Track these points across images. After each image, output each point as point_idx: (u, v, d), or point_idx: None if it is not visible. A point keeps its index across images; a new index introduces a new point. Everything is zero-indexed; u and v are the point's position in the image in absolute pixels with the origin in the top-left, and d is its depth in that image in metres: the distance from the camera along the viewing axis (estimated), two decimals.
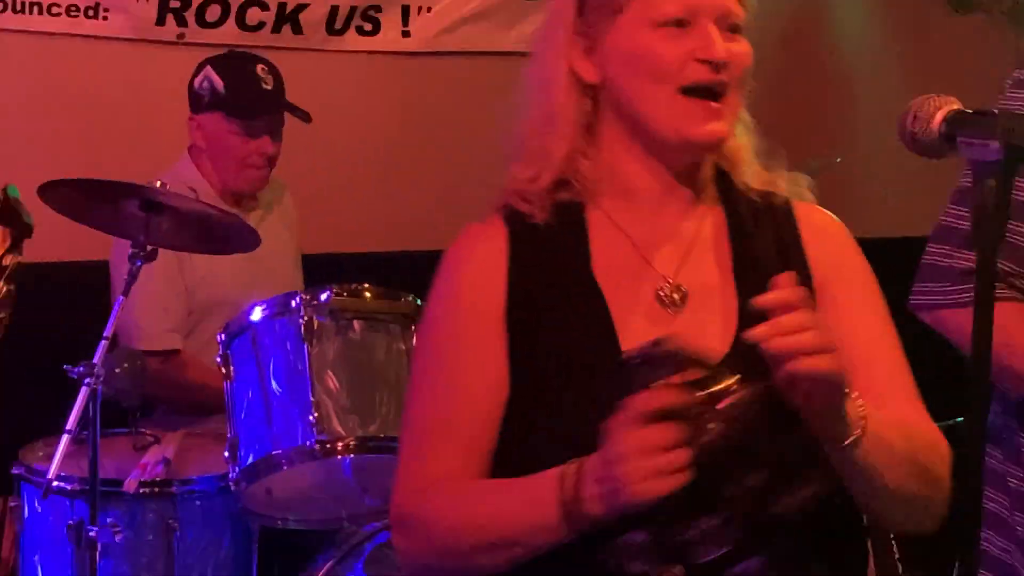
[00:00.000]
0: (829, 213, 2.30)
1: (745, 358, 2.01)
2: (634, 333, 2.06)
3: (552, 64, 2.19)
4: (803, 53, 6.59)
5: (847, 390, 1.97)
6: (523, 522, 2.05)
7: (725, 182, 2.23)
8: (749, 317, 1.99)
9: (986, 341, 1.98)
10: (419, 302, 3.68)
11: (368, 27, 5.39)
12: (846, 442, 1.97)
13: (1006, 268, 2.59)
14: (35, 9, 5.00)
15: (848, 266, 2.25)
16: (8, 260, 2.09)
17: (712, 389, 1.88)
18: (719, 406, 1.87)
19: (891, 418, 2.10)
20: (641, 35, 2.12)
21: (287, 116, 4.49)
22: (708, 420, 1.87)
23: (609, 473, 1.89)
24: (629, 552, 1.99)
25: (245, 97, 4.31)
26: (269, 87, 4.35)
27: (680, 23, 2.08)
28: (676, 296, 2.16)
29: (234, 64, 4.36)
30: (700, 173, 2.19)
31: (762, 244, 2.21)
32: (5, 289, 2.09)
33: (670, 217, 2.20)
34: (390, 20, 5.41)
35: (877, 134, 5.37)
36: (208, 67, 4.32)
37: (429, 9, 5.46)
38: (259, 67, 4.35)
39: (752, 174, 2.23)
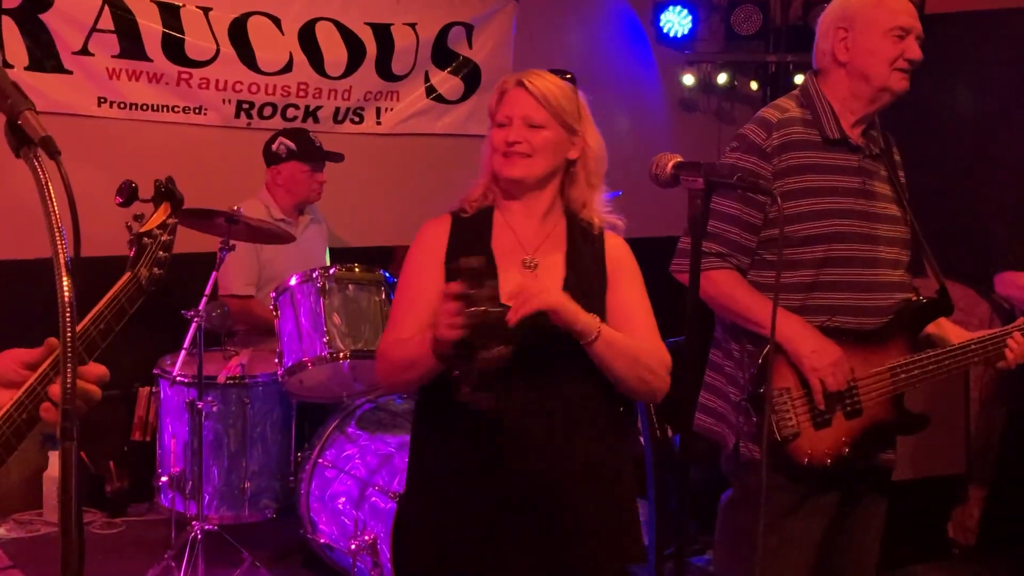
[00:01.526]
0: (620, 238, 2.47)
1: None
2: (506, 282, 2.22)
3: (486, 149, 2.41)
4: None
5: (569, 316, 2.18)
6: (416, 356, 2.21)
7: (570, 211, 2.44)
8: (571, 286, 2.30)
9: (695, 290, 2.16)
10: (386, 274, 4.06)
11: (356, 119, 5.90)
12: (584, 342, 2.21)
13: (722, 251, 2.69)
14: (164, 109, 5.29)
15: (624, 265, 2.44)
16: (171, 222, 1.91)
17: (484, 292, 2.02)
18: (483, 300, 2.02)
19: (625, 336, 2.30)
20: (493, 131, 2.37)
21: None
22: (477, 305, 2.00)
23: (434, 325, 2.12)
24: (456, 384, 2.09)
25: (309, 151, 4.72)
26: (319, 145, 4.76)
27: (503, 125, 2.34)
28: (532, 264, 2.35)
29: (296, 134, 4.80)
30: (545, 198, 2.39)
31: (583, 249, 2.40)
32: (164, 254, 1.88)
33: (532, 221, 2.40)
34: (370, 115, 5.95)
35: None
36: (281, 137, 4.78)
37: (391, 110, 5.98)
38: (310, 134, 4.82)
39: (587, 210, 2.44)
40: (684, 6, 6.37)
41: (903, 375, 2.69)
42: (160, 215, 1.89)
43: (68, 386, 1.30)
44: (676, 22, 6.38)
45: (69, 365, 1.30)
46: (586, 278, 2.36)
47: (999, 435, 4.65)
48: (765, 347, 2.62)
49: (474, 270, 2.03)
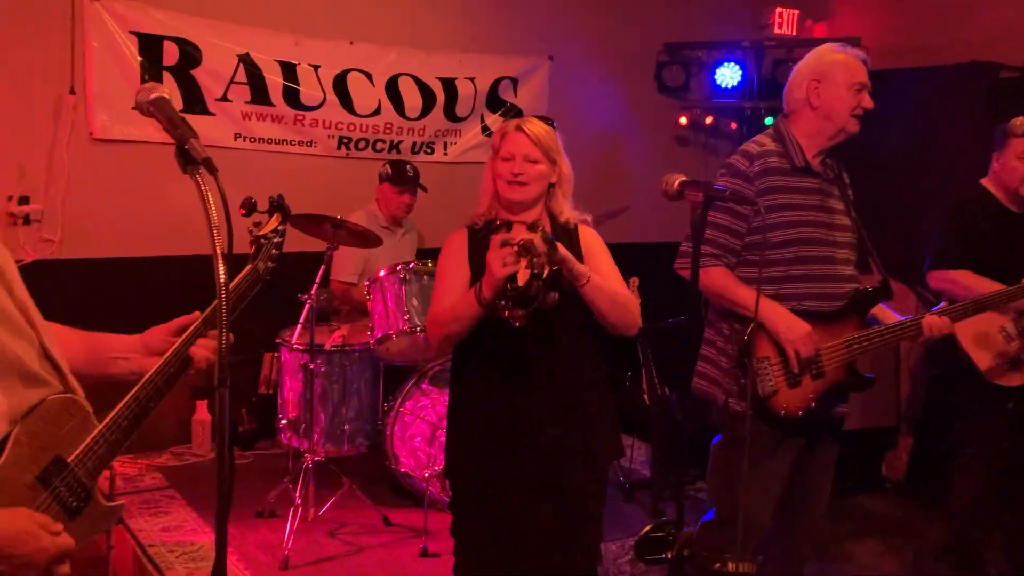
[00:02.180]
0: (590, 228, 2.54)
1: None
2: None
3: (485, 170, 2.54)
4: None
5: (572, 263, 2.27)
6: (460, 309, 2.33)
7: (552, 215, 2.53)
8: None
9: (695, 283, 2.23)
10: None
11: (428, 151, 5.88)
12: (579, 284, 2.33)
13: (715, 252, 2.69)
14: (283, 143, 5.34)
15: (594, 245, 2.53)
16: (281, 228, 1.91)
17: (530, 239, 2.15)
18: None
19: (606, 282, 2.42)
20: (498, 163, 2.47)
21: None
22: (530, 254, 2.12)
23: (486, 270, 2.21)
24: (507, 322, 2.25)
25: (400, 177, 4.75)
26: (411, 175, 4.79)
27: (508, 159, 2.45)
28: None
29: (396, 163, 4.83)
30: (536, 211, 2.48)
31: (562, 240, 2.39)
32: (276, 251, 1.90)
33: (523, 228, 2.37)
34: (439, 148, 5.92)
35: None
36: (387, 164, 4.84)
37: (454, 143, 5.95)
38: (408, 166, 4.83)
39: (563, 211, 2.52)
40: (679, 64, 6.33)
41: (856, 346, 2.69)
42: (273, 223, 1.93)
43: (223, 346, 1.32)
44: (674, 77, 6.34)
45: (224, 330, 1.33)
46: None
47: (923, 395, 4.62)
48: (748, 326, 2.63)
49: (506, 226, 2.21)
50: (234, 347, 1.48)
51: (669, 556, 1.74)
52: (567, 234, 2.50)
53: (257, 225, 1.90)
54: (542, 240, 2.16)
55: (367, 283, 4.08)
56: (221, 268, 1.32)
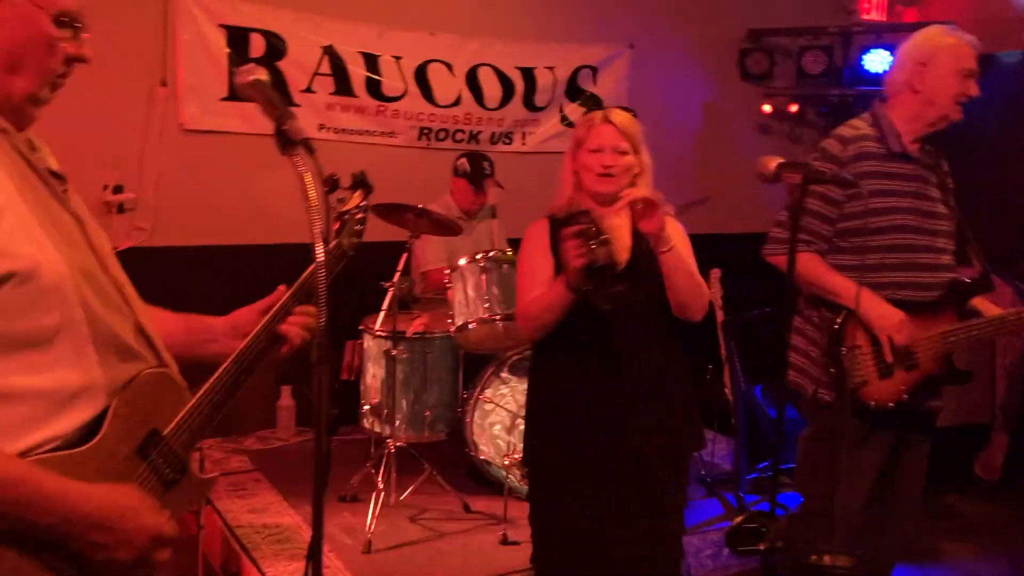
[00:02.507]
0: (676, 221, 2.45)
1: (630, 272, 2.35)
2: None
3: (565, 162, 2.48)
4: None
5: (661, 222, 2.25)
6: (551, 298, 2.31)
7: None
8: (636, 256, 2.38)
9: (791, 269, 2.22)
10: None
11: (507, 141, 5.87)
12: (664, 249, 2.30)
13: (807, 238, 2.64)
14: (366, 133, 5.38)
15: (678, 238, 2.40)
16: (364, 204, 1.94)
17: (597, 229, 2.15)
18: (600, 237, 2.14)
19: (688, 257, 2.37)
20: (585, 155, 2.42)
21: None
22: (595, 242, 2.13)
23: (565, 263, 2.23)
24: (590, 310, 2.25)
25: (476, 176, 4.68)
26: (488, 173, 4.69)
27: (598, 151, 2.40)
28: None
29: (474, 159, 4.73)
30: (616, 202, 2.37)
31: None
32: (359, 227, 1.92)
33: (607, 218, 2.36)
34: (517, 138, 5.91)
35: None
36: (464, 158, 4.74)
37: (533, 134, 5.93)
38: (484, 163, 4.73)
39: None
40: (763, 51, 6.19)
41: (952, 339, 2.62)
42: (356, 199, 1.94)
43: (321, 323, 1.34)
44: (757, 64, 6.21)
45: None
46: (645, 251, 2.37)
47: (1020, 393, 4.49)
48: (840, 314, 2.59)
49: (584, 214, 2.18)
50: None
51: (762, 547, 1.69)
52: None
53: (340, 201, 1.90)
54: (588, 227, 2.13)
55: (448, 271, 4.10)
56: (320, 249, 1.34)
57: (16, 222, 1.30)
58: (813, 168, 2.09)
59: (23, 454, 1.31)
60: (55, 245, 1.35)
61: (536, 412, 2.53)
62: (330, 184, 1.83)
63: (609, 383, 2.39)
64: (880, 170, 2.64)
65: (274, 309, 1.70)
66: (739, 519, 1.79)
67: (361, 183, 1.98)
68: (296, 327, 1.69)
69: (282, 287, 1.74)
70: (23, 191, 1.34)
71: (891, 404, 2.58)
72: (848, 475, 2.55)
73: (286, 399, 5.08)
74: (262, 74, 1.48)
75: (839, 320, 2.60)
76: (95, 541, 1.32)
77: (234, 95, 4.87)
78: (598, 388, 2.39)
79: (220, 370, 1.60)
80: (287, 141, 1.42)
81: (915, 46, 2.70)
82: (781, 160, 2.08)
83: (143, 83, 4.77)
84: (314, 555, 1.47)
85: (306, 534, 3.66)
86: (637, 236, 2.39)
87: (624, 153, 2.41)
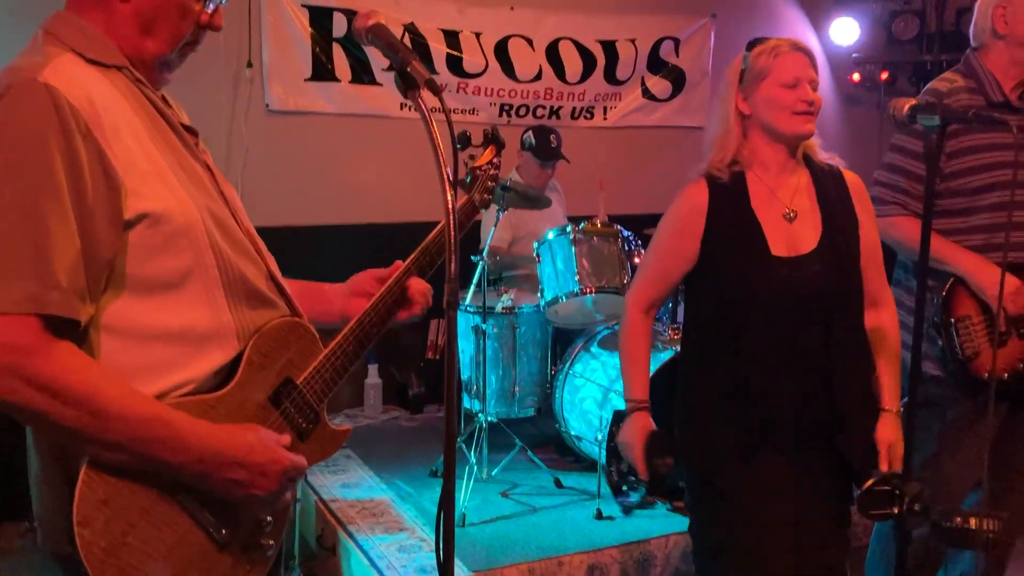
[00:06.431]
0: (854, 174, 2.25)
1: (827, 250, 2.11)
2: (772, 233, 2.11)
3: (726, 105, 2.17)
4: None
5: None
6: (628, 388, 2.31)
7: (807, 157, 2.21)
8: (830, 228, 2.12)
9: (927, 228, 1.86)
10: (621, 229, 4.01)
11: (588, 115, 5.82)
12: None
13: (903, 199, 2.54)
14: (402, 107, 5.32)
15: (865, 201, 2.24)
16: (496, 160, 1.93)
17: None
18: None
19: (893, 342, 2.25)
20: (774, 90, 2.10)
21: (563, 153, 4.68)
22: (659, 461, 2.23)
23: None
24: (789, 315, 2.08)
25: (543, 151, 4.59)
26: (554, 145, 4.60)
27: (792, 85, 2.10)
28: (792, 214, 2.14)
29: (540, 133, 4.63)
30: (797, 152, 2.19)
31: (829, 189, 2.18)
32: (491, 183, 1.91)
33: (785, 175, 2.17)
34: (599, 112, 5.86)
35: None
36: (530, 131, 4.66)
37: (614, 108, 5.87)
38: (551, 136, 4.62)
39: (818, 154, 2.23)
40: (851, 16, 6.05)
41: None
42: (488, 155, 1.91)
43: (452, 276, 1.32)
44: (845, 30, 6.08)
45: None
46: (837, 220, 2.15)
47: None
48: (944, 281, 2.49)
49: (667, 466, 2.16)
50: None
51: (896, 511, 1.63)
52: (832, 178, 2.21)
53: (472, 158, 1.88)
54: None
55: (535, 244, 4.07)
56: (449, 194, 1.32)
57: (149, 167, 1.32)
58: (952, 109, 1.97)
59: (158, 397, 1.31)
60: (187, 191, 1.36)
61: (712, 408, 2.19)
62: (462, 140, 1.95)
63: (799, 395, 2.12)
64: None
65: (408, 262, 1.70)
66: (870, 481, 1.71)
67: (493, 139, 1.94)
68: (418, 292, 1.69)
69: (398, 262, 1.73)
70: (156, 140, 1.36)
71: (1006, 375, 2.48)
72: (958, 452, 2.48)
73: (373, 378, 5.12)
74: (380, 17, 1.47)
75: (945, 289, 2.48)
76: (232, 479, 1.34)
77: (318, 76, 4.96)
78: (787, 397, 2.12)
79: (353, 322, 1.60)
80: (410, 83, 1.40)
81: None
82: (913, 102, 1.89)
83: (230, 65, 4.83)
84: (445, 518, 1.39)
85: (399, 510, 3.71)
86: (826, 208, 2.16)
87: (815, 88, 2.12)
